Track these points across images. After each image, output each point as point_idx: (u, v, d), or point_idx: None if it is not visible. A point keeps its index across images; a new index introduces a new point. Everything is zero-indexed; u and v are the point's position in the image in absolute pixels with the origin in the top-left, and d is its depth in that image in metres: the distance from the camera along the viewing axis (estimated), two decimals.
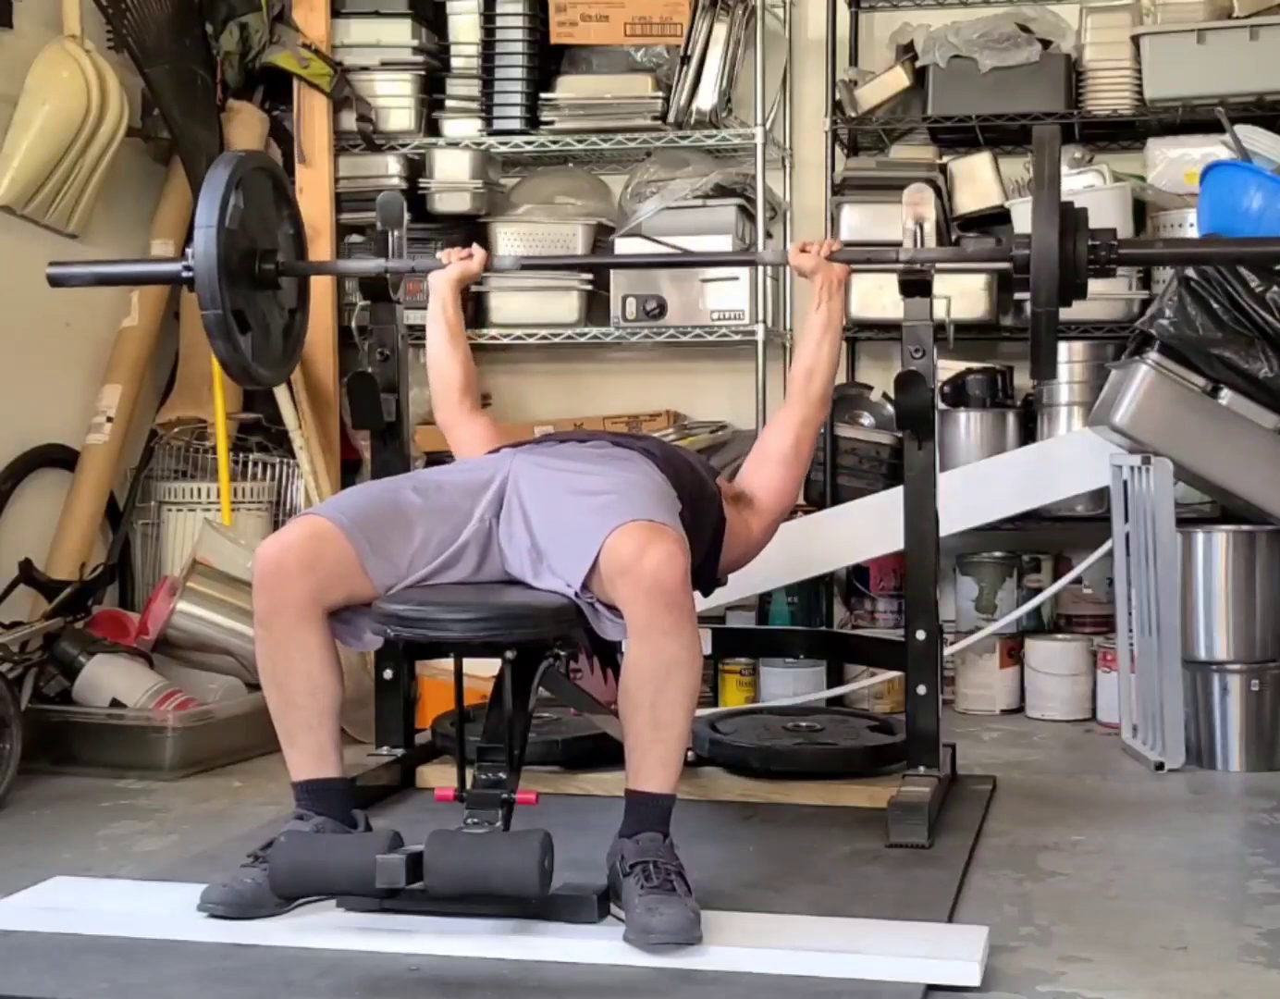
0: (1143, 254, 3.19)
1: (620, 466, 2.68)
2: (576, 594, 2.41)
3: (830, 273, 3.00)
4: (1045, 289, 2.65)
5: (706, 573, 2.87)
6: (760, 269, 4.35)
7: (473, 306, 4.56)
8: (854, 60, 4.58)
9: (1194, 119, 4.16)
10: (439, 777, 3.20)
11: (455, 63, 4.56)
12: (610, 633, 2.43)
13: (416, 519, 2.56)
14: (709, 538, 2.82)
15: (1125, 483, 3.61)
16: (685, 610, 2.35)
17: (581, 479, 2.60)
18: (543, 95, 4.46)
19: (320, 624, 2.47)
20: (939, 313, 3.03)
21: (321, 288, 4.43)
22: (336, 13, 4.51)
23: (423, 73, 4.55)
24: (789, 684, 4.15)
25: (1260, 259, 3.03)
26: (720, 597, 3.21)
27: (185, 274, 2.95)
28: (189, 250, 2.91)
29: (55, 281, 3.21)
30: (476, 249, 3.20)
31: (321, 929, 2.32)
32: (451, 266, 3.16)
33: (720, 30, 4.33)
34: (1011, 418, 4.28)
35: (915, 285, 2.96)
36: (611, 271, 4.42)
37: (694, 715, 2.44)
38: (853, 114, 4.43)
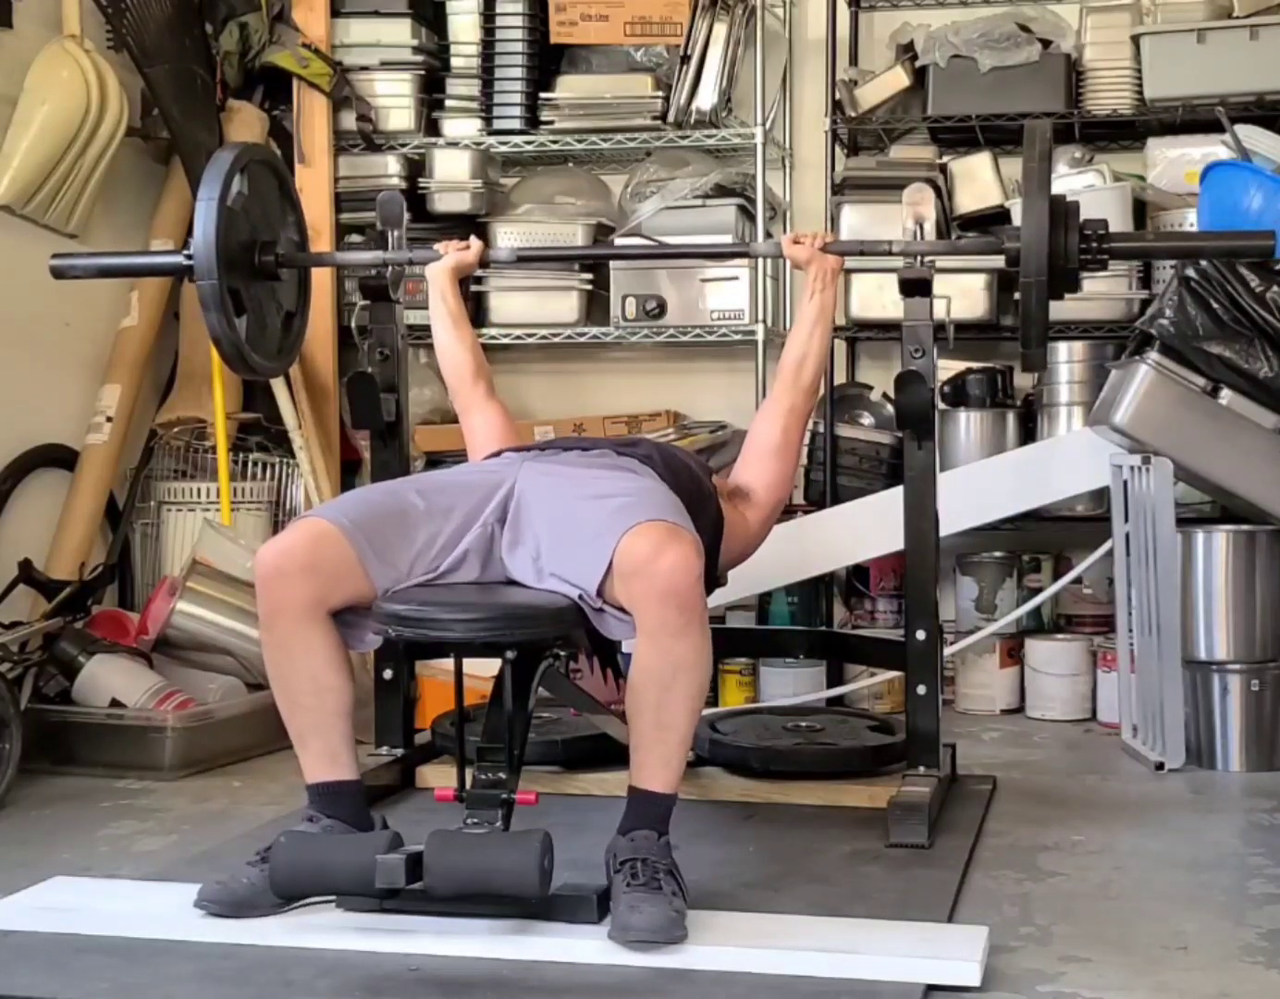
0: (1134, 246, 3.21)
1: (627, 473, 2.68)
2: (584, 598, 2.41)
3: (824, 263, 3.02)
4: (1035, 278, 2.67)
5: (707, 573, 2.86)
6: (760, 269, 4.35)
7: (472, 306, 4.55)
8: (854, 60, 4.58)
9: (1194, 119, 4.16)
10: (439, 777, 3.20)
11: (455, 62, 4.57)
12: (614, 632, 2.42)
13: (418, 522, 2.56)
14: (708, 538, 2.82)
15: (1125, 483, 3.61)
16: (697, 613, 2.35)
17: (592, 485, 2.60)
18: (543, 95, 4.46)
19: (324, 625, 2.46)
20: (939, 313, 3.03)
21: (321, 288, 4.43)
22: (336, 12, 4.51)
23: (423, 73, 4.55)
24: (789, 684, 4.16)
25: (1251, 252, 3.03)
26: (720, 597, 3.21)
27: (186, 260, 2.96)
28: (190, 240, 2.93)
29: (58, 273, 3.22)
30: (474, 240, 3.23)
31: (321, 929, 2.32)
32: (447, 257, 3.18)
33: (720, 30, 4.33)
34: (1011, 418, 4.28)
35: (915, 285, 2.96)
36: (611, 271, 4.42)
37: (699, 717, 2.44)
38: (853, 114, 4.43)
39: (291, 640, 2.45)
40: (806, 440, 4.29)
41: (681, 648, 2.33)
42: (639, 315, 4.39)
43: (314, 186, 4.43)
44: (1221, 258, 3.35)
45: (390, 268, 3.22)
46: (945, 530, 3.17)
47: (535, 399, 4.81)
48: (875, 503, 4.02)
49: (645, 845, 2.34)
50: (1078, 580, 4.18)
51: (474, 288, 4.53)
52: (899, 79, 4.39)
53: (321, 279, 4.43)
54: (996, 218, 4.30)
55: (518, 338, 4.50)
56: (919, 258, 2.96)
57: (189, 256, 2.94)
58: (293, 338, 3.26)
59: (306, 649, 2.46)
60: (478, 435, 3.10)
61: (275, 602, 2.45)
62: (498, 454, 2.89)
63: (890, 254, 3.00)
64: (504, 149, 4.56)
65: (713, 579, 2.95)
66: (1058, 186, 4.12)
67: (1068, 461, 3.97)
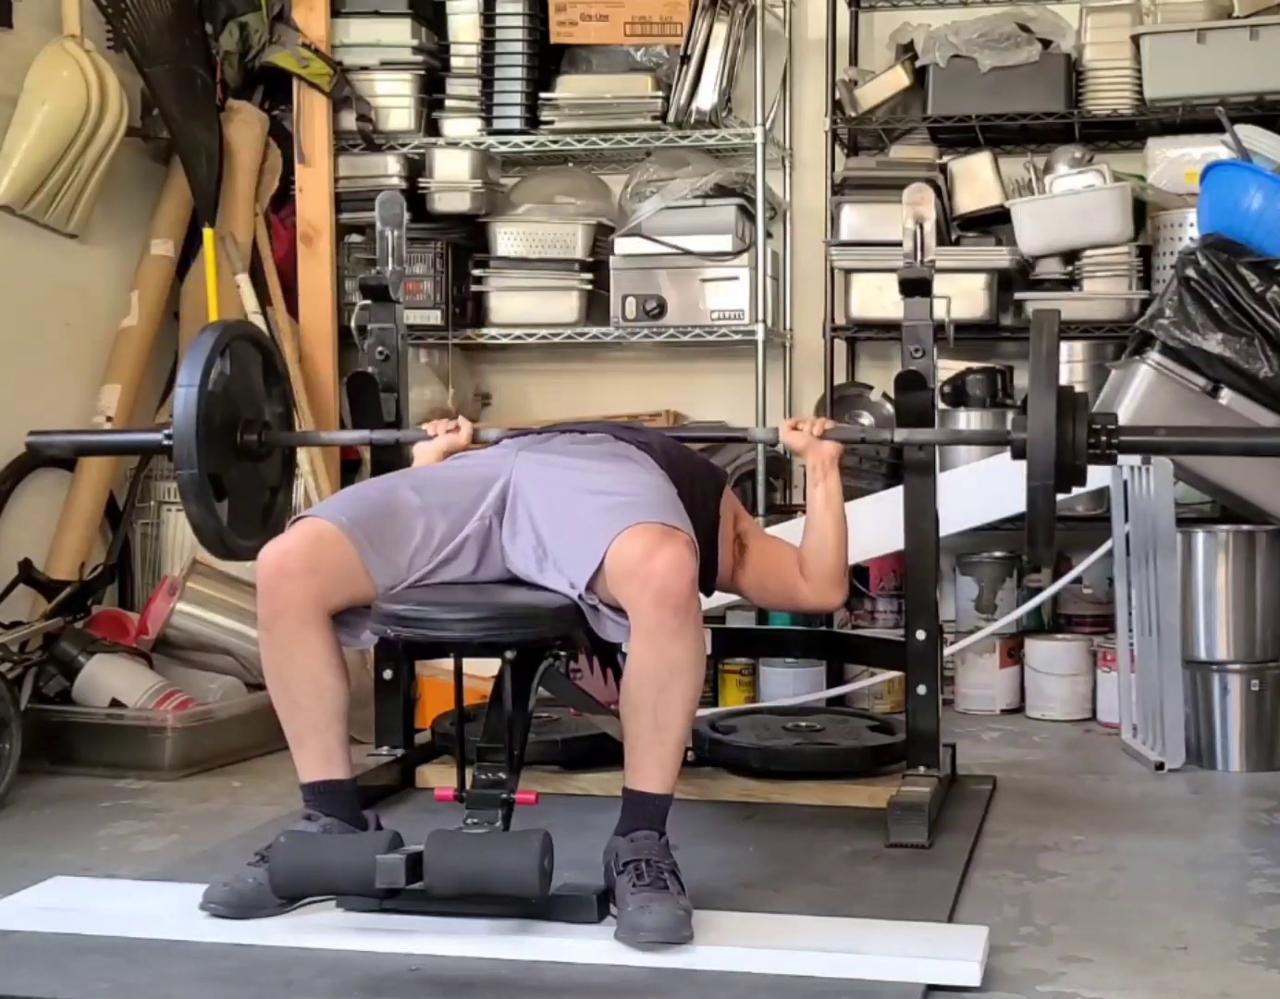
0: (1144, 442, 3.00)
1: (625, 464, 2.68)
2: (580, 595, 2.41)
3: (821, 452, 2.94)
4: (1042, 481, 2.57)
5: (706, 569, 2.86)
6: (760, 269, 4.34)
7: (473, 306, 4.56)
8: (854, 60, 4.58)
9: (1194, 119, 4.16)
10: (439, 777, 3.20)
11: (455, 62, 4.56)
12: (612, 634, 2.43)
13: (416, 517, 2.56)
14: (703, 535, 2.81)
15: (1125, 483, 3.61)
16: (691, 614, 2.35)
17: (589, 478, 2.60)
18: (543, 95, 4.46)
19: (324, 626, 2.47)
20: (939, 313, 3.03)
21: (322, 288, 4.44)
22: (336, 12, 4.51)
23: (423, 73, 4.55)
24: (789, 684, 4.15)
25: (1269, 451, 2.98)
26: (720, 596, 3.21)
27: (166, 441, 2.85)
28: (170, 419, 2.83)
29: (33, 448, 3.18)
30: (463, 421, 3.07)
31: (321, 929, 2.32)
32: (439, 440, 3.04)
33: (720, 30, 4.33)
34: (1011, 418, 4.27)
35: (915, 285, 2.96)
36: (611, 271, 4.42)
37: (695, 717, 2.44)
38: (853, 114, 4.43)
39: (292, 641, 2.45)
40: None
41: (678, 649, 2.33)
42: (639, 315, 4.39)
43: (314, 186, 4.44)
44: (1240, 454, 3.21)
45: (391, 270, 3.22)
46: (945, 530, 3.17)
47: (535, 399, 4.81)
48: (875, 503, 4.02)
49: (647, 846, 2.34)
50: (1078, 580, 4.18)
51: (474, 288, 4.54)
52: (899, 79, 4.39)
53: (322, 279, 4.45)
54: (996, 218, 4.31)
55: (518, 338, 4.50)
56: (919, 260, 2.95)
57: (169, 435, 2.83)
58: (276, 514, 3.13)
59: (307, 650, 2.46)
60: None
61: (277, 602, 2.45)
62: (496, 443, 2.88)
63: (891, 443, 2.99)
64: (504, 149, 4.56)
65: (712, 579, 2.94)
66: (1058, 187, 4.19)
67: None
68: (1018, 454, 2.70)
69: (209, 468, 2.83)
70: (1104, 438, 2.67)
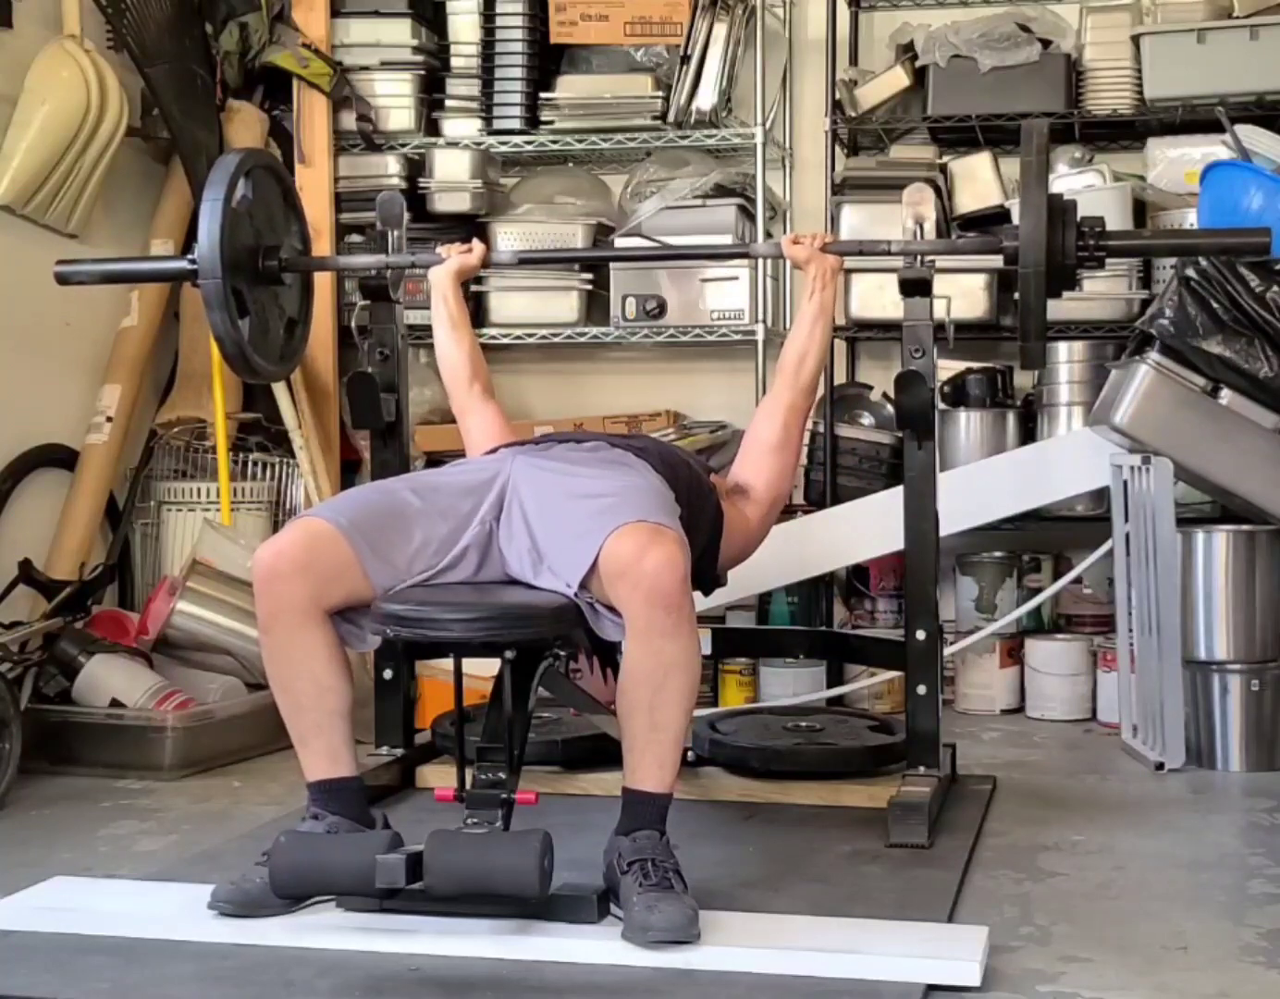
0: (1130, 244, 3.24)
1: (619, 470, 2.68)
2: (575, 594, 2.42)
3: (824, 263, 3.04)
4: (1034, 269, 2.69)
5: (706, 571, 2.88)
6: (760, 269, 4.34)
7: (473, 306, 4.56)
8: (854, 60, 4.58)
9: (1194, 119, 4.16)
10: (439, 777, 3.20)
11: (455, 63, 4.57)
12: (610, 633, 2.43)
13: (415, 520, 2.56)
14: (706, 535, 2.83)
15: (1125, 483, 3.61)
16: (684, 612, 2.35)
17: (581, 482, 2.60)
18: (543, 95, 4.46)
19: (322, 625, 2.47)
20: (939, 313, 3.03)
21: (322, 288, 4.43)
22: (336, 12, 4.51)
23: (423, 73, 4.55)
24: (789, 684, 4.15)
25: (1247, 249, 3.04)
26: (720, 597, 3.21)
27: (190, 265, 2.98)
28: (193, 244, 2.94)
29: (62, 279, 3.23)
30: (476, 243, 3.25)
31: (321, 929, 2.32)
32: (450, 260, 3.20)
33: (720, 30, 4.33)
34: (1011, 418, 4.28)
35: (915, 285, 2.96)
36: (611, 271, 4.42)
37: (692, 716, 2.45)
38: (853, 114, 4.43)
39: (291, 642, 2.46)
40: (806, 440, 4.28)
41: (672, 648, 2.33)
42: (639, 315, 4.39)
43: (314, 186, 4.43)
44: (1217, 254, 3.36)
45: (390, 269, 3.22)
46: (945, 530, 3.17)
47: (535, 399, 4.81)
48: (875, 503, 4.02)
49: (649, 845, 2.34)
50: (1078, 580, 4.18)
51: (474, 288, 4.54)
52: (899, 79, 4.40)
53: (322, 279, 4.43)
54: (996, 218, 4.30)
55: (518, 338, 4.50)
56: (918, 258, 2.96)
57: (193, 261, 2.95)
58: (295, 344, 3.26)
59: (306, 650, 2.46)
60: (474, 435, 3.12)
61: (274, 602, 2.45)
62: (494, 452, 2.89)
63: (889, 254, 3.01)
64: (504, 149, 4.56)
65: (713, 578, 2.96)
66: (1058, 187, 4.17)
67: (1068, 461, 3.97)
68: (1010, 259, 2.80)
69: (232, 283, 2.92)
70: (1092, 241, 2.78)
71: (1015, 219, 4.12)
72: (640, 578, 2.31)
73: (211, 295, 2.91)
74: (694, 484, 2.82)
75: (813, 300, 3.04)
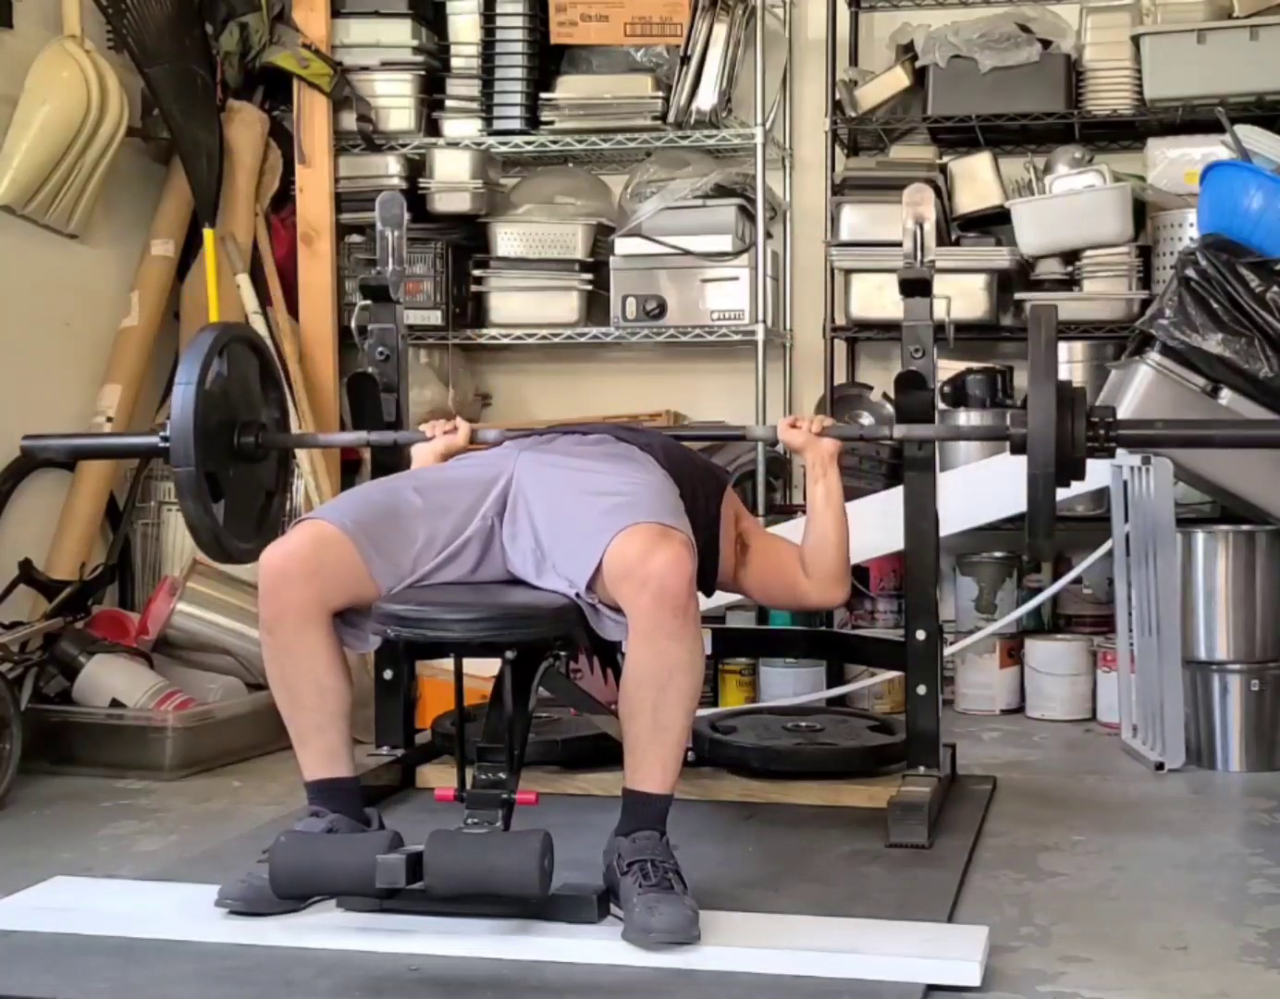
0: (1141, 435, 3.01)
1: (626, 465, 2.68)
2: (579, 594, 2.42)
3: (819, 450, 2.93)
4: (1043, 471, 2.59)
5: (709, 572, 2.87)
6: (760, 269, 4.34)
7: (473, 306, 4.56)
8: (854, 60, 4.58)
9: (1194, 119, 4.16)
10: (439, 777, 3.20)
11: (455, 63, 4.57)
12: (612, 633, 2.43)
13: (418, 519, 2.56)
14: (707, 532, 2.82)
15: (1125, 483, 3.61)
16: (690, 614, 2.35)
17: (587, 478, 2.60)
18: (543, 95, 4.46)
19: (325, 628, 2.47)
20: (939, 313, 3.03)
21: (322, 288, 4.44)
22: (336, 13, 4.51)
23: (423, 73, 4.55)
24: (789, 684, 4.15)
25: (1265, 443, 2.99)
26: (720, 597, 3.21)
27: (162, 443, 2.85)
28: (166, 421, 2.84)
29: (28, 453, 3.17)
30: (460, 423, 3.06)
31: (321, 929, 2.32)
32: (437, 441, 3.03)
33: (720, 30, 4.32)
34: (1010, 414, 4.27)
35: (915, 285, 2.96)
36: (611, 271, 4.43)
37: (694, 717, 2.45)
38: (853, 114, 4.43)
39: (294, 643, 2.46)
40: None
41: (677, 649, 2.33)
42: (639, 315, 4.39)
43: (314, 187, 4.44)
44: (1235, 447, 3.23)
45: (391, 270, 3.22)
46: (945, 530, 3.17)
47: (535, 399, 4.81)
48: (875, 503, 4.02)
49: (649, 846, 2.34)
50: (1078, 580, 4.18)
51: (474, 288, 4.54)
52: (899, 79, 4.40)
53: (322, 279, 4.45)
54: (996, 218, 4.31)
55: (518, 338, 4.50)
56: (919, 260, 2.95)
57: (165, 440, 2.84)
58: (273, 518, 3.14)
59: (308, 651, 2.46)
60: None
61: (279, 604, 2.45)
62: (499, 445, 2.89)
63: (890, 439, 2.99)
64: (504, 149, 4.56)
65: (713, 579, 2.94)
66: (1058, 187, 4.19)
67: None
68: (1017, 448, 2.72)
69: (206, 467, 2.83)
70: (1102, 432, 2.69)
71: (1015, 221, 4.17)
72: (647, 578, 2.31)
73: (185, 484, 2.80)
74: (697, 483, 2.82)
75: (817, 488, 2.93)
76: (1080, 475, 2.69)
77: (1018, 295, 4.27)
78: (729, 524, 2.95)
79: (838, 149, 4.52)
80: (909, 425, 2.95)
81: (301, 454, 4.27)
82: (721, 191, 4.41)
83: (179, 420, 2.79)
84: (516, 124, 4.47)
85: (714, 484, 2.92)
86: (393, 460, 3.22)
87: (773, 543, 3.07)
